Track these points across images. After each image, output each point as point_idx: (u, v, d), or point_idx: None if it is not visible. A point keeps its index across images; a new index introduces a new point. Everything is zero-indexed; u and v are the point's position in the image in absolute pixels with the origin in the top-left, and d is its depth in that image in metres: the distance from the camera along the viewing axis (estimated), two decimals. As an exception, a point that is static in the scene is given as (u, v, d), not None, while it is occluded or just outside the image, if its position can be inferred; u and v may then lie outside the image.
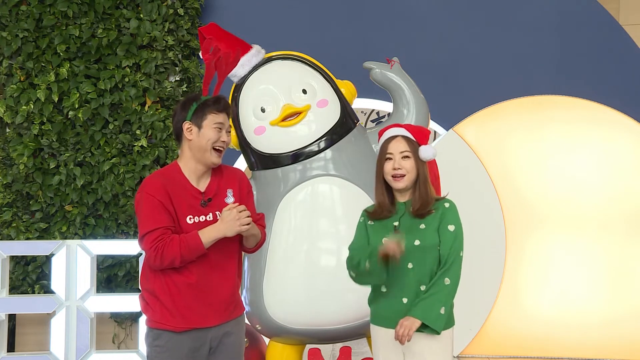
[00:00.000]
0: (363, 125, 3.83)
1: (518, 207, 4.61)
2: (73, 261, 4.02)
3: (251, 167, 3.47)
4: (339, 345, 3.71)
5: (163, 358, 2.39)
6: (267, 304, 3.28)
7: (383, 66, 3.47)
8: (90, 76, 4.59)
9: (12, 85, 4.56)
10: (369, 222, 2.55)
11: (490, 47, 4.73)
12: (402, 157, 2.47)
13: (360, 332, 3.35)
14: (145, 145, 4.56)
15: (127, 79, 4.57)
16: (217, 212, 2.39)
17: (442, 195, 2.57)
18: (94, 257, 4.08)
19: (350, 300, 3.01)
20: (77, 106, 4.54)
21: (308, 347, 3.61)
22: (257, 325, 3.42)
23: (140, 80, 4.58)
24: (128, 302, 4.10)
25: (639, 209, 4.54)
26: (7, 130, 4.66)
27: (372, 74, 3.48)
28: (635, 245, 4.53)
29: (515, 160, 4.65)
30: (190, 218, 2.37)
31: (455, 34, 4.75)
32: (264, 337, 3.66)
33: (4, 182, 4.59)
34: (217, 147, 2.41)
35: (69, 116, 4.57)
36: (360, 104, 4.47)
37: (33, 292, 4.56)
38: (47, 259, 4.30)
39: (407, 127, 2.56)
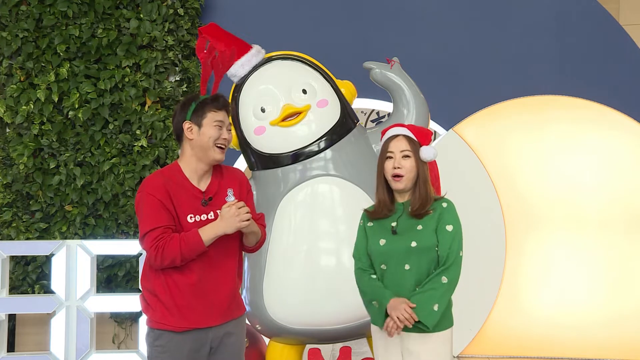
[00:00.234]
0: (363, 125, 3.83)
1: (518, 207, 4.61)
2: (73, 261, 4.02)
3: (251, 167, 3.47)
4: (339, 345, 3.70)
5: (163, 358, 2.39)
6: (267, 304, 3.28)
7: (383, 66, 3.47)
8: (90, 76, 4.59)
9: (12, 85, 4.56)
10: (369, 224, 2.55)
11: (490, 47, 4.73)
12: (402, 157, 2.48)
13: (360, 332, 3.35)
14: (145, 145, 4.56)
15: (127, 79, 4.57)
16: (217, 211, 2.39)
17: (441, 196, 2.56)
18: (94, 257, 4.08)
19: (350, 300, 3.01)
20: (77, 106, 4.54)
21: (308, 347, 3.61)
22: (257, 325, 3.42)
23: (140, 80, 4.58)
24: (128, 302, 4.10)
25: (639, 209, 4.54)
26: (7, 130, 4.66)
27: (372, 74, 3.48)
28: (635, 245, 4.53)
29: (515, 160, 4.65)
30: (190, 217, 2.37)
31: (455, 34, 4.76)
32: (264, 337, 3.66)
33: (4, 182, 4.59)
34: (218, 145, 2.42)
35: (69, 116, 4.57)
36: (360, 104, 4.47)
37: (33, 292, 4.56)
38: (47, 259, 4.30)
39: (410, 127, 2.57)
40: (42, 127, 4.56)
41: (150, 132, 4.61)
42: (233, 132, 3.36)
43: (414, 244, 2.41)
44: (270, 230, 3.26)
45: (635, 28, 5.92)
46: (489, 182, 4.62)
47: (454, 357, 4.62)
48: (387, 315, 2.40)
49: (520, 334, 4.60)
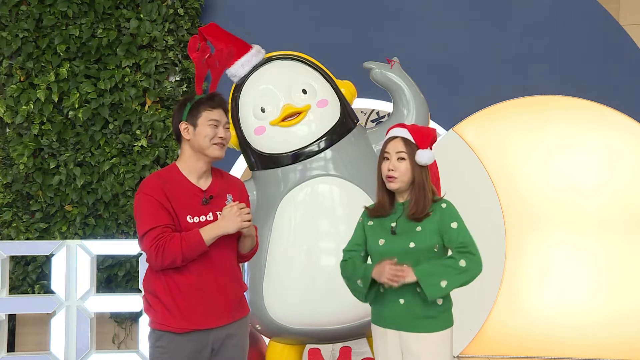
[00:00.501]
0: (363, 125, 3.83)
1: (518, 207, 4.61)
2: (73, 261, 4.02)
3: (251, 167, 3.47)
4: (339, 345, 3.70)
5: (164, 359, 2.38)
6: (267, 304, 3.28)
7: (383, 66, 3.47)
8: (90, 76, 4.59)
9: (12, 85, 4.56)
10: (369, 222, 2.55)
11: (490, 47, 4.73)
12: (397, 159, 2.48)
13: (360, 332, 3.35)
14: (145, 145, 4.56)
15: (127, 79, 4.57)
16: (217, 213, 2.39)
17: (440, 196, 2.56)
18: (94, 257, 4.08)
19: (350, 300, 3.00)
20: (77, 106, 4.54)
21: (308, 347, 3.61)
22: (257, 325, 3.42)
23: (140, 80, 4.58)
24: (128, 302, 4.10)
25: (639, 209, 4.54)
26: (7, 130, 4.66)
27: (372, 74, 3.48)
28: (635, 245, 4.53)
29: (515, 160, 4.65)
30: (190, 217, 2.37)
31: (455, 34, 4.76)
32: (264, 337, 3.66)
33: (4, 182, 4.59)
34: (215, 143, 2.41)
35: (69, 116, 4.57)
36: (360, 104, 4.47)
37: (33, 292, 4.56)
38: (47, 259, 4.30)
39: (412, 128, 2.55)
40: (42, 127, 4.56)
41: (150, 132, 4.61)
42: (233, 132, 3.38)
43: (412, 244, 2.41)
44: (270, 230, 3.26)
45: (635, 28, 5.92)
46: (489, 182, 4.62)
47: (454, 357, 4.62)
48: (372, 286, 2.42)
49: (520, 334, 4.60)
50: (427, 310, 2.40)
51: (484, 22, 4.76)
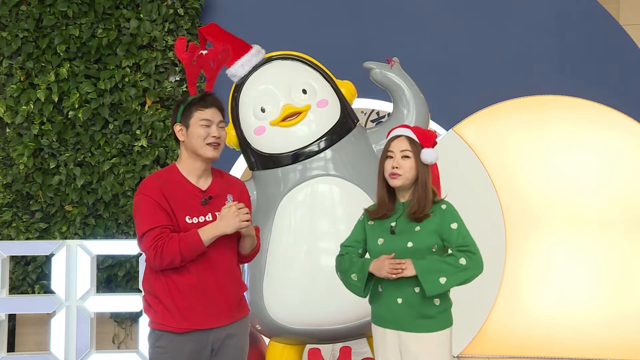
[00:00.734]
0: (363, 125, 3.83)
1: (518, 207, 4.61)
2: (73, 261, 4.02)
3: (251, 167, 3.47)
4: (339, 345, 3.70)
5: (164, 359, 2.38)
6: (267, 304, 3.28)
7: (383, 66, 3.47)
8: (90, 76, 4.59)
9: (12, 85, 4.56)
10: (369, 222, 2.56)
11: (490, 47, 4.73)
12: (402, 157, 2.48)
13: (360, 332, 3.35)
14: (145, 145, 4.56)
15: (127, 79, 4.57)
16: (216, 213, 2.39)
17: (441, 197, 2.56)
18: (94, 257, 4.08)
19: (350, 300, 3.00)
20: (77, 106, 4.54)
21: (308, 347, 3.61)
22: (257, 325, 3.42)
23: (140, 80, 4.58)
24: (128, 302, 4.10)
25: (639, 209, 4.54)
26: (7, 130, 4.66)
27: (372, 74, 3.48)
28: (635, 245, 4.53)
29: (515, 160, 4.65)
30: (189, 218, 2.37)
31: (455, 34, 4.76)
32: (264, 337, 3.66)
33: (4, 182, 4.59)
34: (208, 143, 2.41)
35: (69, 116, 4.57)
36: (360, 104, 4.47)
37: (33, 292, 4.56)
38: (47, 259, 4.30)
39: (414, 128, 2.57)
40: (42, 127, 4.57)
41: (150, 132, 4.61)
42: (233, 132, 3.38)
43: (410, 244, 2.41)
44: (270, 230, 3.26)
45: (635, 28, 5.92)
46: (489, 182, 4.62)
47: (454, 357, 4.62)
48: (371, 281, 2.43)
49: (520, 334, 4.60)
50: (426, 310, 2.40)
51: (484, 22, 4.76)
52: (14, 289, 4.54)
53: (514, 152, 4.65)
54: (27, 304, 4.17)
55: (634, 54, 4.67)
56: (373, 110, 7.76)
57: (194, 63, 2.59)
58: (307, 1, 4.85)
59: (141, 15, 4.61)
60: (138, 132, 4.58)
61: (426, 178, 2.48)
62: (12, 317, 4.63)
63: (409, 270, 2.34)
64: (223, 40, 3.24)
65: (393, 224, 2.47)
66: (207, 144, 2.40)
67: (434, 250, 2.42)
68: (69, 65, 4.57)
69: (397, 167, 2.46)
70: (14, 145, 4.55)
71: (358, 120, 3.50)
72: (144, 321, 4.05)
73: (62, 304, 4.01)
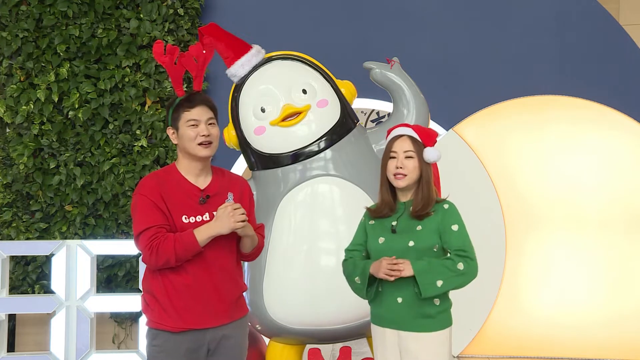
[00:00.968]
0: (363, 125, 3.82)
1: (518, 207, 4.61)
2: (73, 261, 4.02)
3: (251, 167, 3.47)
4: (339, 345, 3.70)
5: (160, 358, 2.39)
6: (267, 304, 3.28)
7: (383, 66, 3.46)
8: (90, 76, 4.59)
9: (12, 85, 4.56)
10: (370, 222, 2.56)
11: (490, 47, 4.73)
12: (405, 157, 2.48)
13: (360, 332, 3.35)
14: (145, 145, 4.56)
15: (127, 79, 4.57)
16: (214, 213, 2.39)
17: (443, 197, 2.56)
18: (94, 257, 4.08)
19: (350, 300, 3.00)
20: (77, 106, 4.54)
21: (308, 347, 3.61)
22: (257, 325, 3.42)
23: (140, 80, 4.58)
24: (128, 302, 4.10)
25: (639, 209, 4.54)
26: (7, 130, 4.66)
27: (372, 74, 3.48)
28: (635, 245, 4.53)
29: (515, 160, 4.65)
30: (185, 217, 2.37)
31: (455, 34, 4.76)
32: (264, 337, 3.66)
33: (4, 182, 4.59)
34: (200, 143, 2.40)
35: (69, 116, 4.57)
36: (360, 104, 4.47)
37: (33, 292, 4.56)
38: (47, 259, 4.30)
39: (415, 127, 2.57)
40: (42, 127, 4.56)
41: (150, 132, 4.61)
42: (233, 132, 3.38)
43: (411, 243, 2.41)
44: (270, 230, 3.26)
45: (635, 28, 5.92)
46: (489, 182, 4.62)
47: (454, 357, 4.62)
48: (374, 284, 2.44)
49: (520, 334, 4.60)
50: (426, 310, 2.40)
51: (484, 22, 4.76)
52: (14, 289, 4.54)
53: (514, 152, 4.65)
54: (27, 304, 4.17)
55: (634, 54, 4.67)
56: (373, 110, 7.76)
57: (177, 64, 2.58)
58: (307, 1, 4.85)
59: (141, 15, 4.61)
60: (138, 132, 4.58)
61: (429, 176, 2.49)
62: (12, 317, 4.63)
63: (407, 270, 2.35)
64: (223, 40, 3.25)
65: (394, 223, 2.47)
66: (198, 144, 2.40)
67: (435, 250, 2.42)
68: (69, 65, 4.56)
69: (401, 168, 2.47)
70: (14, 145, 4.55)
71: (358, 120, 3.50)
72: (144, 321, 4.05)
73: (62, 304, 4.01)
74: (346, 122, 3.37)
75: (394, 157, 2.50)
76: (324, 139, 3.29)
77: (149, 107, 4.61)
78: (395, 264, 2.35)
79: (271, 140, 3.30)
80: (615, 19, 4.83)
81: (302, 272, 3.23)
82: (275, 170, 3.32)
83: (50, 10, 4.57)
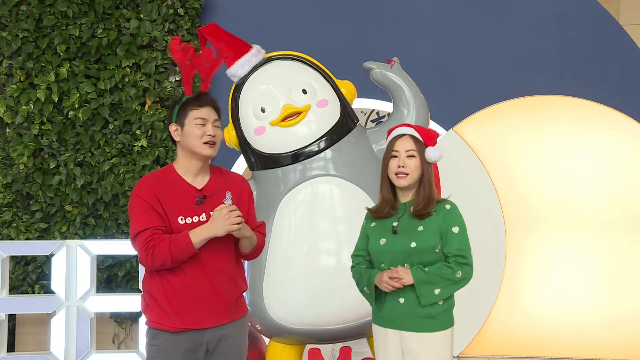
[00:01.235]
0: (363, 125, 3.82)
1: (518, 207, 4.61)
2: (73, 261, 4.02)
3: (251, 167, 3.47)
4: (339, 345, 3.70)
5: (159, 357, 2.40)
6: (267, 304, 3.28)
7: (383, 66, 3.46)
8: (90, 76, 4.59)
9: (12, 85, 4.56)
10: (371, 224, 2.56)
11: (490, 47, 4.73)
12: (407, 156, 2.48)
13: (360, 332, 3.35)
14: (145, 145, 4.56)
15: (127, 79, 4.57)
16: (211, 213, 2.38)
17: (444, 198, 2.56)
18: (94, 257, 4.08)
19: (350, 300, 3.01)
20: (77, 106, 4.54)
21: (308, 347, 3.61)
22: (257, 326, 3.42)
23: (140, 80, 4.58)
24: (128, 302, 4.10)
25: (639, 209, 4.54)
26: (7, 130, 4.66)
27: (372, 74, 3.48)
28: (635, 245, 4.53)
29: (515, 160, 4.65)
30: (181, 219, 2.37)
31: (455, 34, 4.76)
32: (264, 337, 3.66)
33: (4, 182, 4.59)
34: (205, 142, 2.41)
35: (69, 116, 4.57)
36: (360, 104, 4.47)
37: (33, 292, 4.56)
38: (47, 259, 4.30)
39: (417, 127, 2.57)
40: (42, 127, 4.57)
41: (150, 132, 4.61)
42: (233, 132, 3.38)
43: (413, 244, 2.41)
44: (270, 230, 3.26)
45: (635, 28, 5.92)
46: (489, 182, 4.62)
47: (454, 357, 4.62)
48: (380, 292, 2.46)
49: (520, 334, 4.60)
50: (428, 310, 2.41)
51: (484, 22, 4.76)
52: (14, 289, 4.54)
53: (514, 152, 4.65)
54: (27, 304, 4.17)
55: (634, 54, 4.67)
56: (373, 110, 7.76)
57: (189, 63, 2.59)
58: (307, 1, 4.85)
59: (141, 15, 4.61)
60: (138, 132, 4.58)
61: (431, 175, 2.50)
62: (12, 317, 4.63)
63: (407, 279, 2.37)
64: (223, 40, 3.25)
65: (395, 223, 2.47)
66: (204, 143, 2.40)
67: (436, 250, 2.42)
68: (69, 65, 4.56)
69: (403, 167, 2.47)
70: (14, 145, 4.55)
71: (358, 120, 3.50)
72: (144, 321, 4.05)
73: (62, 304, 4.01)
74: (346, 122, 3.37)
75: (395, 157, 2.50)
76: (324, 139, 3.29)
77: (149, 107, 4.61)
78: (395, 273, 2.37)
79: (271, 140, 3.30)
80: (615, 19, 4.82)
81: (302, 272, 3.23)
82: (275, 170, 3.32)
83: (50, 10, 4.57)
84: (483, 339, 4.61)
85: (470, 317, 4.52)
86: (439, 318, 2.43)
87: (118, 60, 4.59)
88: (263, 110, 3.30)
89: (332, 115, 3.33)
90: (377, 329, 2.54)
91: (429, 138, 2.53)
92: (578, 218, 4.57)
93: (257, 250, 2.57)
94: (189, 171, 2.44)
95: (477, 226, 4.35)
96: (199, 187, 2.43)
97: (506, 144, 4.67)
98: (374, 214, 2.56)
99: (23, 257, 4.58)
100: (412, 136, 2.52)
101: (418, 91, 3.48)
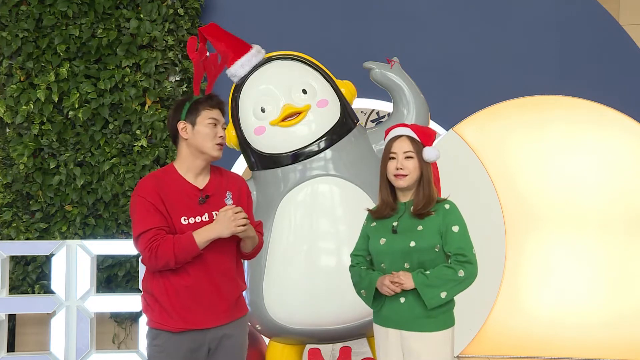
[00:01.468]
0: (363, 125, 3.82)
1: (518, 207, 4.61)
2: (73, 261, 4.02)
3: (251, 167, 3.47)
4: (339, 345, 3.70)
5: (161, 357, 2.39)
6: (267, 304, 3.28)
7: (383, 66, 3.47)
8: (90, 76, 4.59)
9: (12, 85, 4.56)
10: (372, 224, 2.56)
11: (490, 47, 4.73)
12: (405, 157, 2.49)
13: (360, 332, 3.35)
14: (145, 145, 4.56)
15: (127, 79, 4.57)
16: (213, 213, 2.38)
17: (444, 197, 2.57)
18: (94, 257, 4.08)
19: (350, 300, 3.00)
20: (77, 106, 4.54)
21: (308, 347, 3.61)
22: (257, 326, 3.42)
23: (140, 80, 4.58)
24: (128, 302, 4.10)
25: (639, 209, 4.54)
26: (7, 130, 4.66)
27: (372, 74, 3.48)
28: (635, 246, 4.53)
29: (515, 160, 4.65)
30: (184, 219, 2.37)
31: (455, 34, 4.76)
32: (264, 337, 3.66)
33: (4, 182, 4.59)
34: (216, 143, 2.42)
35: (69, 116, 4.57)
36: (360, 104, 4.47)
37: (33, 292, 4.56)
38: (47, 259, 4.30)
39: (413, 127, 2.57)
40: (42, 127, 4.56)
41: (150, 132, 4.61)
42: (233, 132, 3.38)
43: (412, 244, 2.42)
44: (270, 230, 3.26)
45: (635, 28, 5.92)
46: (489, 182, 4.62)
47: (454, 357, 4.62)
48: (379, 296, 2.46)
49: (520, 334, 4.60)
50: (428, 310, 2.40)
51: (484, 22, 4.76)
52: (14, 289, 4.54)
53: (514, 152, 4.65)
54: (27, 304, 4.17)
55: (634, 54, 4.67)
56: (373, 110, 7.76)
57: (201, 64, 2.62)
58: (307, 1, 4.85)
59: (141, 15, 4.61)
60: (138, 132, 4.58)
61: (429, 175, 2.50)
62: (12, 317, 4.63)
63: (408, 283, 2.37)
64: (223, 40, 3.25)
65: (395, 223, 2.48)
66: (215, 144, 2.41)
67: (436, 250, 2.42)
68: (69, 65, 4.56)
69: (401, 169, 2.47)
70: (14, 145, 4.55)
71: (358, 120, 3.50)
72: (144, 321, 4.05)
73: (62, 304, 4.01)
74: (346, 122, 3.37)
75: (393, 158, 2.50)
76: (324, 139, 3.29)
77: (149, 107, 4.61)
78: (396, 278, 2.37)
79: (271, 140, 3.30)
80: (615, 19, 4.83)
81: (302, 272, 3.23)
82: (275, 170, 3.32)
83: (50, 10, 4.57)
84: (483, 339, 4.61)
85: (470, 317, 4.52)
86: (439, 318, 2.43)
87: (118, 60, 4.59)
88: (263, 110, 3.30)
89: (332, 115, 3.33)
90: (378, 329, 2.54)
91: (426, 137, 2.53)
92: (578, 218, 4.57)
93: (257, 249, 2.58)
94: (192, 170, 2.44)
95: (477, 226, 4.35)
96: (201, 187, 2.43)
97: (506, 144, 4.67)
98: (374, 215, 2.57)
99: (23, 257, 4.58)
100: (409, 137, 2.52)
101: (418, 91, 3.48)
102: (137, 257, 4.39)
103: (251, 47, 3.37)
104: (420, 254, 2.41)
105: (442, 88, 4.62)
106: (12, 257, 4.48)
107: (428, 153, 2.50)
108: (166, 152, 4.59)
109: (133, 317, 4.60)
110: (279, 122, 3.26)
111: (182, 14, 4.66)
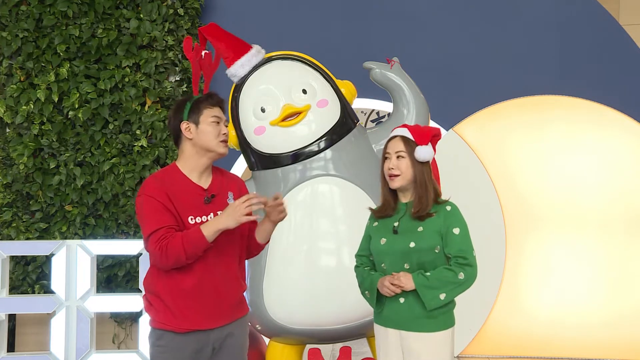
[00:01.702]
0: (363, 125, 3.82)
1: (518, 207, 4.61)
2: (73, 261, 4.02)
3: (251, 167, 3.47)
4: (339, 345, 3.70)
5: (165, 358, 2.39)
6: (267, 304, 3.28)
7: (383, 66, 3.47)
8: (90, 76, 4.59)
9: (12, 85, 4.56)
10: (374, 224, 2.57)
11: (490, 47, 4.73)
12: (397, 157, 2.49)
13: (360, 332, 3.35)
14: (145, 145, 4.56)
15: (127, 79, 4.57)
16: (218, 212, 2.38)
17: (445, 198, 2.56)
18: (94, 257, 4.08)
19: (350, 300, 3.01)
20: (77, 106, 4.54)
21: (308, 347, 3.61)
22: (257, 326, 3.42)
23: (140, 80, 4.58)
24: (128, 302, 4.10)
25: (639, 209, 4.54)
26: (7, 130, 4.66)
27: (372, 74, 3.48)
28: (635, 246, 4.53)
29: (515, 160, 4.65)
30: (191, 218, 2.36)
31: (455, 34, 4.76)
32: (264, 337, 3.66)
33: (4, 182, 4.59)
34: (221, 140, 2.42)
35: (69, 116, 4.57)
36: (360, 104, 4.47)
37: (33, 292, 4.56)
38: (47, 259, 4.30)
39: (412, 127, 2.57)
40: (42, 127, 4.56)
41: (150, 132, 4.61)
42: (233, 131, 3.38)
43: (412, 244, 2.42)
44: (270, 230, 3.26)
45: (635, 28, 5.92)
46: (489, 182, 4.62)
47: (454, 357, 4.62)
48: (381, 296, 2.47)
49: (520, 334, 4.60)
50: (428, 310, 2.40)
51: (484, 22, 4.76)
52: (14, 289, 4.54)
53: (514, 152, 4.65)
54: (27, 304, 4.17)
55: (634, 54, 4.67)
56: (373, 110, 7.76)
57: (197, 63, 2.62)
58: (307, 1, 4.85)
59: (141, 15, 4.61)
60: (138, 132, 4.58)
61: (425, 176, 2.49)
62: (12, 317, 4.63)
63: (408, 284, 2.38)
64: (223, 40, 3.25)
65: (396, 223, 2.48)
66: (221, 141, 2.42)
67: (436, 251, 2.42)
68: (69, 65, 4.56)
69: (393, 169, 2.48)
70: (14, 145, 4.55)
71: (358, 120, 3.50)
72: (144, 321, 4.05)
73: (62, 304, 4.01)
74: (346, 122, 3.37)
75: (387, 158, 2.52)
76: (324, 139, 3.29)
77: (149, 107, 4.61)
78: (397, 278, 2.38)
79: (271, 140, 3.30)
80: (615, 19, 4.83)
81: (302, 272, 3.23)
82: (275, 170, 3.32)
83: (50, 10, 4.57)
84: (483, 339, 4.61)
85: (470, 317, 4.52)
86: (439, 318, 2.43)
87: (118, 60, 4.59)
88: (263, 110, 3.30)
89: (332, 115, 3.33)
90: (378, 329, 2.54)
91: (422, 137, 2.52)
92: (578, 218, 4.57)
93: (263, 246, 2.59)
94: (196, 170, 2.43)
95: (477, 226, 4.35)
96: (205, 187, 2.43)
97: (506, 144, 4.67)
98: (377, 214, 2.58)
99: (23, 257, 4.58)
100: (402, 137, 2.52)
101: (418, 91, 3.48)
102: (137, 257, 4.39)
103: (251, 47, 3.37)
104: (420, 254, 2.41)
105: (442, 88, 4.62)
106: (12, 257, 4.48)
107: (419, 152, 2.49)
108: (166, 152, 4.59)
109: (133, 317, 4.60)
110: (279, 122, 3.26)
111: (182, 14, 4.66)
